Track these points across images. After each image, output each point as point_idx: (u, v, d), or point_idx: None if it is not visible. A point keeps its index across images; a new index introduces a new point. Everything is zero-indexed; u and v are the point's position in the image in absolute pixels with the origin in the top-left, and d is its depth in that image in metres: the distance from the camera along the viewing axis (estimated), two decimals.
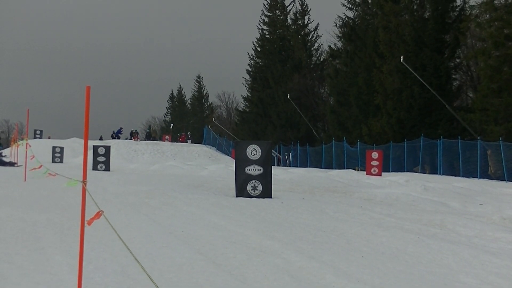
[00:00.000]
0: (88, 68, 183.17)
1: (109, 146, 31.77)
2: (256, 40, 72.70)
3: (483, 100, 32.35)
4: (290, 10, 70.76)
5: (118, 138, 61.05)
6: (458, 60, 41.84)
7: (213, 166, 33.46)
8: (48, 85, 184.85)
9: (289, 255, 7.72)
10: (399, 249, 8.50)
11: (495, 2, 32.14)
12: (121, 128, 64.39)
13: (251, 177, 15.93)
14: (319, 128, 61.64)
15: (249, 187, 15.89)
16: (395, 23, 41.19)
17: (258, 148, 16.06)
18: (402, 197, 16.59)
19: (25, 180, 19.13)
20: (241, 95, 77.94)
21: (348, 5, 52.37)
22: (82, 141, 41.67)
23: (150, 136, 69.31)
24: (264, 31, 71.90)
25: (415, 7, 41.68)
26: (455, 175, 31.21)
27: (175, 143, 61.09)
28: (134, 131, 67.11)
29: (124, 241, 4.49)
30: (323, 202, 15.21)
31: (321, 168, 43.56)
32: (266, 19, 71.66)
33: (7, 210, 11.31)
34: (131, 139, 63.40)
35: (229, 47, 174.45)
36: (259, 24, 72.04)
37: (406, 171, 34.85)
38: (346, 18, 53.08)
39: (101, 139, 62.16)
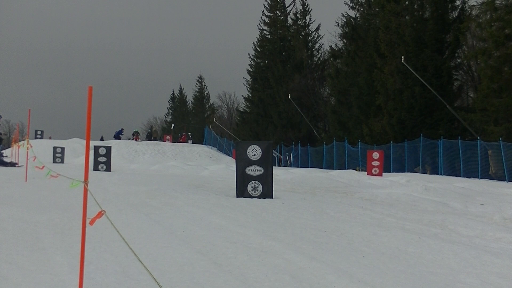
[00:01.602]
0: (89, 68, 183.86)
1: (110, 147, 31.77)
2: (257, 41, 72.77)
3: (484, 100, 32.34)
4: (290, 10, 70.85)
5: (119, 138, 61.12)
6: (458, 60, 41.81)
7: (214, 166, 33.50)
8: (49, 86, 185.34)
9: (290, 255, 7.72)
10: (400, 249, 8.50)
11: (496, 2, 32.11)
12: (122, 129, 64.49)
13: (251, 178, 15.91)
14: (320, 128, 61.66)
15: (249, 188, 15.88)
16: (395, 23, 41.17)
17: (259, 148, 16.04)
18: (403, 197, 16.58)
19: (26, 181, 19.14)
20: (242, 96, 78.09)
21: (351, 4, 52.38)
22: (83, 141, 42.08)
23: (151, 136, 69.43)
24: (265, 32, 71.97)
25: (415, 7, 41.64)
26: (456, 175, 31.22)
27: (176, 143, 61.18)
28: (135, 132, 67.34)
29: (125, 241, 4.49)
30: (324, 202, 15.21)
31: (322, 168, 43.61)
32: (266, 20, 71.71)
33: (8, 210, 11.31)
34: (133, 139, 63.58)
35: (230, 48, 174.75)
36: (259, 24, 72.17)
37: (407, 171, 34.88)
38: (348, 18, 53.05)
39: (101, 139, 62.26)
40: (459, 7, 40.23)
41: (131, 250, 4.41)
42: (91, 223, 4.93)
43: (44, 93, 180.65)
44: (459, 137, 32.75)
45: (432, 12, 40.07)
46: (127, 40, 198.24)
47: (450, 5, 40.25)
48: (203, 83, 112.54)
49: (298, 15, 68.67)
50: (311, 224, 10.95)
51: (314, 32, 67.78)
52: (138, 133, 68.74)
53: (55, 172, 12.22)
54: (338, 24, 53.83)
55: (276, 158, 54.19)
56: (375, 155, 30.55)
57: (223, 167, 30.38)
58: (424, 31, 39.66)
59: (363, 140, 42.81)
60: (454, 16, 40.46)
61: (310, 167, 42.98)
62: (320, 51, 67.42)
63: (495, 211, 13.65)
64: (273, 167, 18.17)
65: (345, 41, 53.50)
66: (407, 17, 41.71)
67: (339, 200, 16.12)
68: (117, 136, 62.14)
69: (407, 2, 41.56)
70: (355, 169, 36.43)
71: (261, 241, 8.83)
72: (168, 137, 68.42)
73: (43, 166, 17.29)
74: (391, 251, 8.36)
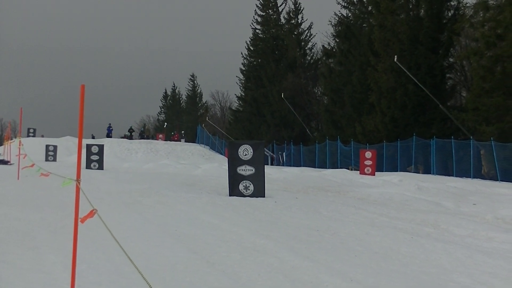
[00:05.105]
0: (82, 67, 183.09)
1: (103, 145, 31.78)
2: (250, 40, 72.71)
3: (476, 100, 32.36)
4: (282, 9, 70.74)
5: (111, 136, 61.23)
6: (451, 60, 41.83)
7: (206, 165, 33.46)
8: (41, 84, 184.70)
9: (283, 254, 7.72)
10: (393, 248, 8.52)
11: (489, 2, 32.14)
12: (110, 124, 64.41)
13: (242, 177, 15.98)
14: (313, 127, 61.63)
15: (241, 187, 15.93)
16: (391, 21, 41.13)
17: (250, 148, 16.08)
18: (396, 196, 16.61)
19: (18, 179, 19.08)
20: (235, 94, 77.94)
21: (343, 3, 52.36)
22: (76, 139, 41.76)
23: (144, 134, 69.48)
24: (257, 31, 71.82)
25: (410, 6, 41.64)
26: (449, 175, 31.23)
27: (168, 141, 61.21)
28: (131, 128, 67.71)
29: (118, 240, 4.48)
30: (316, 201, 15.23)
31: (315, 167, 43.56)
32: (259, 19, 71.56)
33: (1, 208, 11.29)
34: (129, 135, 63.84)
35: (223, 46, 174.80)
36: (252, 23, 72.05)
37: (400, 171, 34.89)
38: (341, 16, 53.03)
39: (93, 137, 62.20)
40: (454, 6, 40.21)
41: (122, 249, 4.40)
42: (82, 221, 4.92)
43: (36, 91, 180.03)
44: (452, 137, 32.79)
45: (427, 11, 40.05)
46: (120, 39, 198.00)
47: (445, 4, 40.20)
48: (195, 81, 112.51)
49: (291, 14, 68.63)
50: (303, 223, 10.97)
51: (307, 31, 67.77)
52: (133, 130, 69.00)
53: (46, 171, 12.20)
54: (331, 23, 53.87)
55: (269, 157, 54.16)
56: (368, 154, 30.59)
57: (215, 166, 30.37)
58: (419, 30, 39.63)
59: (356, 138, 42.79)
60: (449, 15, 40.44)
61: (303, 166, 42.97)
62: (313, 50, 67.46)
63: (488, 210, 13.71)
64: (266, 166, 18.22)
65: (338, 40, 53.46)
66: (402, 16, 41.67)
67: (332, 199, 16.15)
68: (109, 133, 62.24)
69: (402, 1, 41.51)
70: (348, 168, 36.48)
71: (254, 240, 8.84)
72: (161, 135, 68.43)
73: (33, 164, 17.25)
74: (384, 250, 8.38)
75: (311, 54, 67.42)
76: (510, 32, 29.88)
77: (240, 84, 74.38)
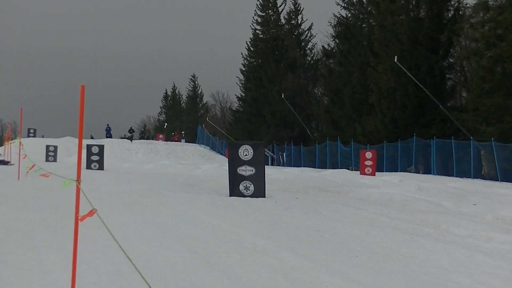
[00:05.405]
0: (82, 67, 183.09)
1: (103, 145, 31.77)
2: (250, 40, 72.62)
3: (476, 100, 32.32)
4: (282, 9, 70.63)
5: (109, 136, 61.22)
6: (451, 60, 41.78)
7: (207, 165, 33.47)
8: (41, 84, 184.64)
9: (283, 255, 7.72)
10: (393, 248, 8.51)
11: (489, 2, 32.10)
12: (108, 125, 64.33)
13: (243, 178, 15.97)
14: (313, 128, 61.58)
15: (241, 187, 15.92)
16: (391, 21, 41.10)
17: (250, 148, 16.08)
18: (396, 197, 16.60)
19: (18, 179, 19.08)
20: (235, 95, 77.84)
21: (343, 4, 52.32)
22: (76, 140, 41.72)
23: (144, 135, 69.43)
24: (257, 31, 71.71)
25: (410, 7, 41.59)
26: (449, 175, 31.21)
27: (169, 142, 61.22)
28: (131, 128, 67.74)
29: (118, 240, 4.48)
30: (317, 201, 15.23)
31: (315, 167, 43.54)
32: (259, 19, 71.46)
33: (1, 209, 11.29)
34: (130, 135, 63.88)
35: (224, 47, 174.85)
36: (252, 24, 71.96)
37: (400, 171, 34.87)
38: (341, 17, 52.98)
39: (92, 138, 62.19)
40: (454, 6, 40.16)
41: (121, 249, 4.40)
42: (81, 219, 4.92)
43: (36, 91, 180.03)
44: (452, 137, 32.76)
45: (427, 11, 40.01)
46: (119, 38, 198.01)
47: (445, 5, 40.14)
48: (196, 82, 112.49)
49: (291, 15, 68.57)
50: (304, 223, 10.96)
51: (307, 32, 67.71)
52: (134, 130, 69.04)
53: (46, 171, 12.19)
54: (330, 24, 53.82)
55: (269, 157, 54.16)
56: (368, 154, 30.60)
57: (216, 166, 30.37)
58: (419, 30, 39.59)
59: (356, 139, 42.76)
60: (449, 16, 40.39)
61: (303, 167, 42.97)
62: (313, 51, 67.39)
63: (488, 211, 13.70)
64: (266, 166, 18.22)
65: (338, 41, 53.41)
66: (402, 16, 41.60)
67: (332, 199, 16.14)
68: (108, 134, 62.22)
69: (402, 1, 41.47)
70: (348, 169, 36.47)
71: (254, 240, 8.83)
72: (161, 136, 68.40)
73: (33, 165, 17.24)
74: (384, 250, 8.38)
75: (311, 55, 67.38)
76: (510, 33, 29.85)
77: (240, 85, 74.36)
